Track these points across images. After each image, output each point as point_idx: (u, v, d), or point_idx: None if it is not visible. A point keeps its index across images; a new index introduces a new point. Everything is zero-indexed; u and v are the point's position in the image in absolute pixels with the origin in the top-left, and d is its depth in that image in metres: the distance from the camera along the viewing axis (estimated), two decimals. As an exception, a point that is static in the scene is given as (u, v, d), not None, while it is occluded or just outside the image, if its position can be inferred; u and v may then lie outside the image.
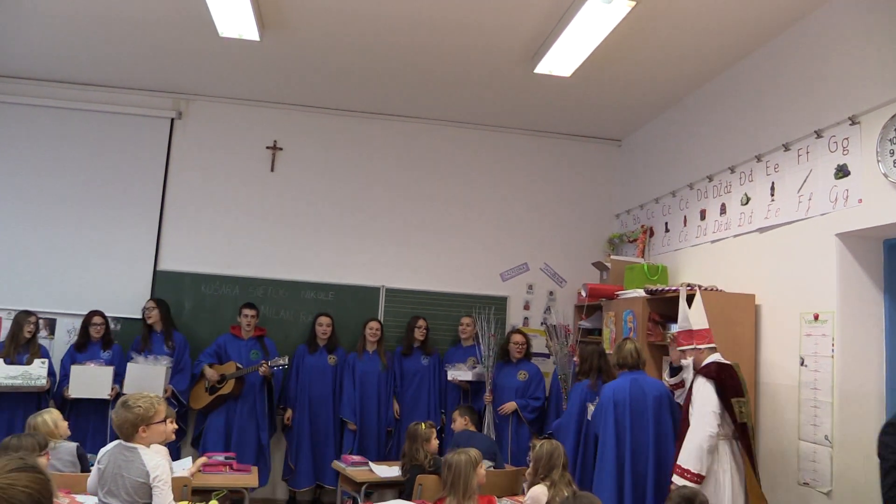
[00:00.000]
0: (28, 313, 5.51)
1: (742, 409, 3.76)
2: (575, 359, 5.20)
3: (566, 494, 3.50)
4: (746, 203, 4.85)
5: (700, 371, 3.93)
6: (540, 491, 3.64)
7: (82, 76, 6.30)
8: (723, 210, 5.15)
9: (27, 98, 6.40)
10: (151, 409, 3.22)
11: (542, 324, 6.78)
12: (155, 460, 3.15)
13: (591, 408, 4.74)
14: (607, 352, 5.17)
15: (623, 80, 5.61)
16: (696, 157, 5.61)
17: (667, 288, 5.03)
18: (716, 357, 3.95)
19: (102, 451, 3.20)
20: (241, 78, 6.15)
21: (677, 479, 3.70)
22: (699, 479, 3.66)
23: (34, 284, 6.22)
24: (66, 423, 4.13)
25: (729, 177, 5.09)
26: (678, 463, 3.75)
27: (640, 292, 5.30)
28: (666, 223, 6.00)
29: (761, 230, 4.65)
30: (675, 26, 4.65)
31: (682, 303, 4.19)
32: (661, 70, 5.36)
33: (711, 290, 4.77)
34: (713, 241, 5.24)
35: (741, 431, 3.76)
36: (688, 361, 4.19)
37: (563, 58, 5.03)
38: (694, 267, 5.47)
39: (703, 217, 5.41)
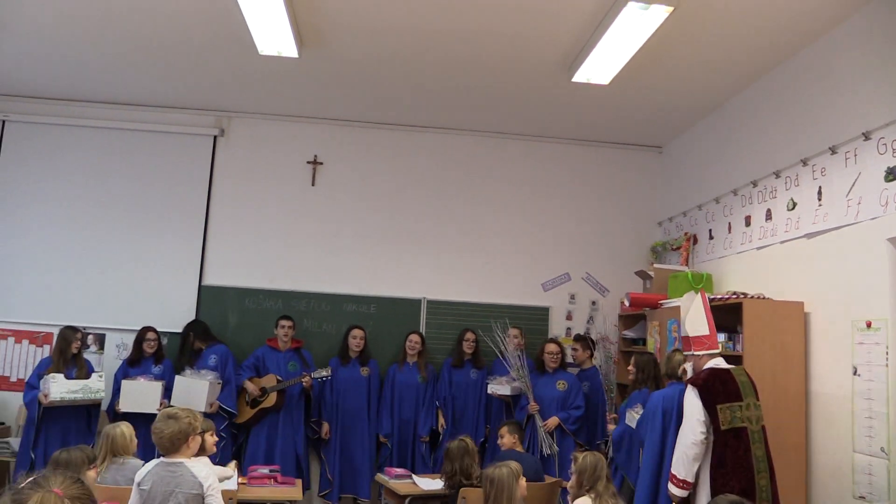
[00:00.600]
0: (74, 329, 5.63)
1: (737, 413, 3.67)
2: (630, 367, 5.11)
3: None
4: (793, 208, 4.74)
5: (688, 380, 3.90)
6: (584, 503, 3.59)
7: (129, 97, 6.47)
8: (768, 216, 5.04)
9: (77, 119, 6.59)
10: (196, 420, 3.29)
11: (567, 333, 6.66)
12: (204, 470, 3.20)
13: (630, 415, 4.73)
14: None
15: (662, 86, 5.54)
16: (739, 162, 5.50)
17: (712, 297, 4.93)
18: (715, 363, 3.87)
19: (142, 472, 3.21)
20: (281, 95, 6.25)
21: (670, 486, 3.77)
22: (686, 485, 3.70)
23: (84, 300, 6.38)
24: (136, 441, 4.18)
25: (774, 182, 4.98)
26: (671, 470, 3.78)
27: (686, 297, 5.21)
28: (710, 230, 5.89)
29: (809, 236, 4.53)
30: (715, 30, 4.57)
31: (688, 309, 4.13)
32: (701, 75, 5.28)
33: (758, 297, 4.67)
34: (759, 248, 5.13)
35: (733, 438, 3.64)
36: (688, 367, 4.13)
37: (601, 66, 4.99)
38: (739, 274, 5.35)
39: (747, 223, 5.30)
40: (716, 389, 3.72)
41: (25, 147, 6.56)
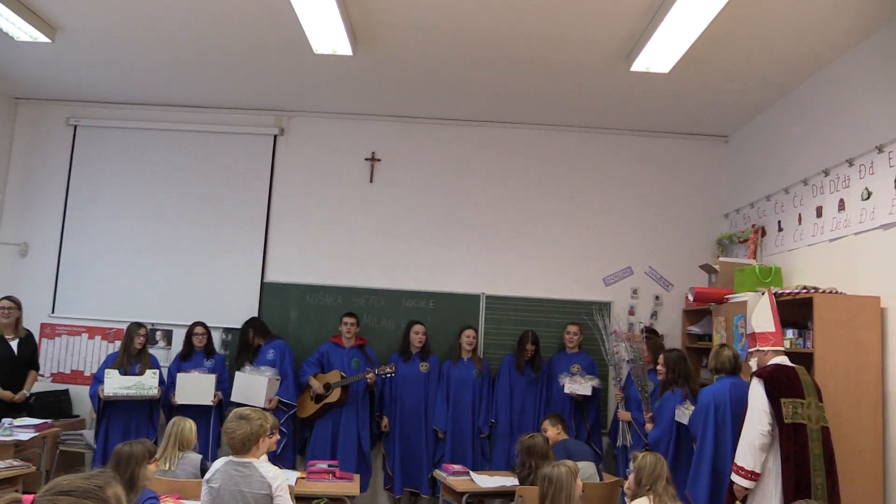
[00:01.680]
0: (139, 325, 5.80)
1: (798, 409, 3.74)
2: (659, 367, 4.99)
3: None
4: (867, 198, 4.49)
5: (754, 373, 3.98)
6: None
7: (191, 100, 6.64)
8: (841, 206, 4.79)
9: (143, 122, 6.81)
10: (266, 422, 3.35)
11: (629, 328, 6.47)
12: (273, 470, 3.25)
13: (680, 412, 4.70)
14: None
15: (726, 73, 5.33)
16: (809, 151, 5.25)
17: (781, 291, 4.73)
18: (780, 360, 3.95)
19: (212, 470, 3.28)
20: (337, 93, 6.29)
21: (734, 477, 3.79)
22: (754, 476, 3.74)
23: (152, 297, 6.59)
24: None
25: (847, 170, 4.73)
26: (735, 461, 3.81)
27: (752, 296, 5.02)
28: (779, 222, 5.65)
29: (885, 227, 4.28)
30: (781, 13, 4.36)
31: (756, 306, 4.17)
32: (768, 60, 5.05)
33: (831, 292, 4.45)
34: (831, 240, 4.88)
35: (793, 432, 3.70)
36: (753, 364, 4.16)
37: (661, 53, 4.82)
38: (810, 268, 5.11)
39: (819, 214, 5.06)
40: (781, 383, 3.79)
41: (95, 151, 6.81)
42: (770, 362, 3.93)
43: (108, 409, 5.57)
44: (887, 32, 4.40)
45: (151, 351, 6.12)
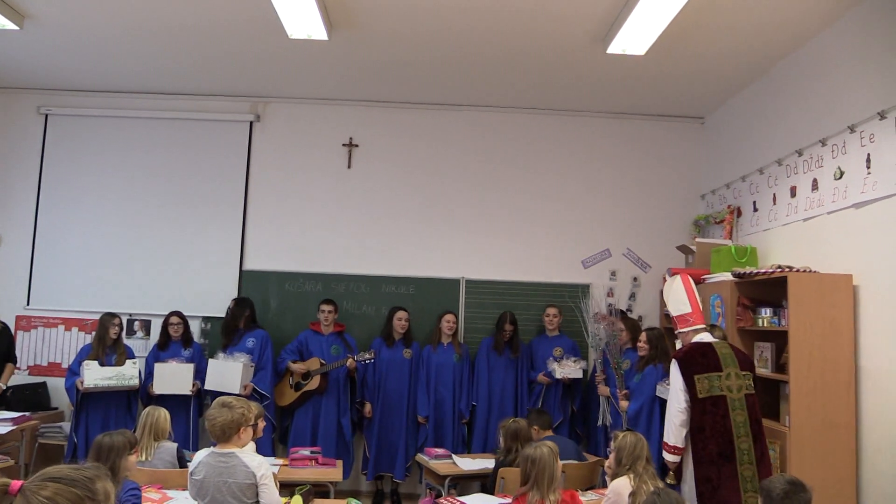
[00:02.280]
0: (112, 315, 5.75)
1: (715, 382, 3.89)
2: (642, 343, 5.07)
3: (651, 487, 3.40)
4: (840, 177, 4.55)
5: (672, 355, 4.19)
6: (622, 484, 3.54)
7: (165, 86, 6.55)
8: (815, 186, 4.85)
9: (116, 110, 6.72)
10: (249, 410, 3.32)
11: (608, 310, 6.52)
12: (256, 459, 3.23)
13: (661, 387, 4.80)
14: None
15: (702, 55, 5.36)
16: (784, 132, 5.30)
17: (756, 270, 4.80)
18: (700, 337, 4.07)
19: (195, 462, 3.26)
20: (313, 78, 6.24)
21: (664, 453, 4.00)
22: (677, 450, 3.93)
23: (129, 287, 6.54)
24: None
25: (820, 150, 4.79)
26: (663, 439, 4.02)
27: (728, 276, 5.09)
28: (754, 202, 5.71)
29: (857, 205, 4.35)
30: (755, -6, 4.39)
31: (670, 292, 4.30)
32: (743, 41, 5.08)
33: (805, 271, 4.51)
34: (805, 220, 4.95)
35: (711, 405, 3.86)
36: (678, 345, 4.31)
37: (636, 35, 4.83)
38: (785, 247, 5.18)
39: (793, 194, 5.12)
40: (694, 361, 3.95)
41: (68, 140, 6.72)
42: (693, 341, 4.06)
43: (86, 401, 5.53)
44: (857, 15, 4.44)
45: (130, 341, 6.08)
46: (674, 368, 4.00)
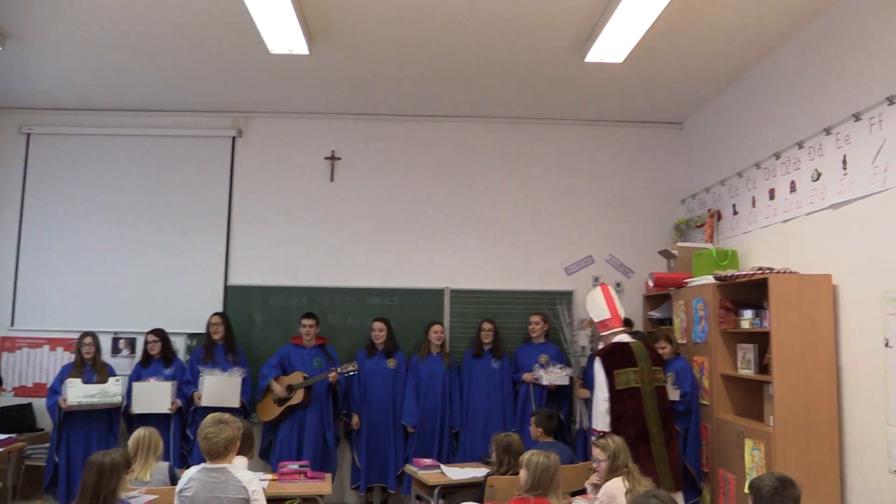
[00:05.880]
0: (86, 334, 5.73)
1: (632, 376, 4.53)
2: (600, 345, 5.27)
3: (644, 487, 3.44)
4: (818, 179, 4.63)
5: (595, 353, 4.96)
6: (615, 486, 3.58)
7: (146, 103, 6.55)
8: (793, 188, 4.93)
9: (98, 128, 6.71)
10: (241, 427, 3.35)
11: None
12: (248, 475, 3.25)
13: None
14: (681, 341, 5.50)
15: (679, 61, 5.43)
16: (761, 135, 5.38)
17: (737, 273, 4.85)
18: (620, 338, 4.73)
19: (184, 479, 3.25)
20: (295, 92, 6.26)
21: (592, 438, 4.44)
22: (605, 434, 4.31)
23: (114, 306, 6.50)
24: None
25: (797, 153, 4.87)
26: (591, 425, 4.70)
27: (710, 279, 5.14)
28: (734, 205, 5.78)
29: (835, 206, 4.42)
30: (730, 0, 4.46)
31: (590, 301, 5.01)
32: (719, 47, 5.16)
33: (785, 272, 4.57)
34: (784, 221, 5.02)
35: (628, 395, 4.50)
36: (601, 346, 4.92)
37: (614, 44, 4.90)
38: (765, 249, 5.25)
39: (772, 197, 5.19)
40: (615, 358, 4.61)
41: (51, 159, 6.70)
42: (613, 341, 4.70)
43: (67, 420, 5.49)
44: (831, 18, 4.53)
45: (115, 360, 6.05)
46: (597, 365, 4.65)
